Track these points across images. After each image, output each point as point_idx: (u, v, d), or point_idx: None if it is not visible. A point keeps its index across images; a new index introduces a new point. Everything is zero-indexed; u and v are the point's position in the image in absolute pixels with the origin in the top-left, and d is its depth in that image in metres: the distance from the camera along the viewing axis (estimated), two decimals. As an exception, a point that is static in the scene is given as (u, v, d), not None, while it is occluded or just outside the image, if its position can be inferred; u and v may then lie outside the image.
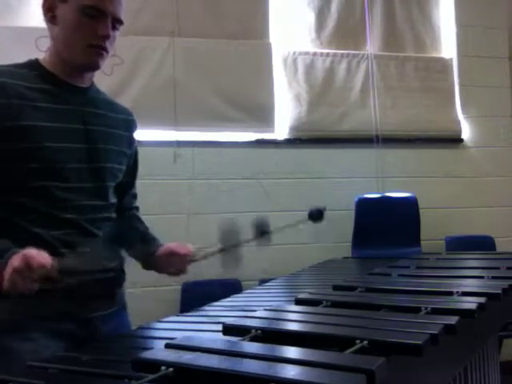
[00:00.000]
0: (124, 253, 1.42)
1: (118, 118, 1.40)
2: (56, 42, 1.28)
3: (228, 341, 0.89)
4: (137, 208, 1.55)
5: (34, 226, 1.20)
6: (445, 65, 3.79)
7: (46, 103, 1.25)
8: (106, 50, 1.27)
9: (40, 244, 1.16)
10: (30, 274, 1.04)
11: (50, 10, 1.26)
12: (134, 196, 1.54)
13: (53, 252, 1.16)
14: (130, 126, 1.45)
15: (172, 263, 1.44)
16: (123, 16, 1.29)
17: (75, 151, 1.26)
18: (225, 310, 1.43)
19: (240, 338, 0.89)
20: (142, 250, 1.46)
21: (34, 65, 1.29)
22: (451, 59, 3.80)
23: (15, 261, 1.05)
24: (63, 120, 1.26)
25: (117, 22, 1.28)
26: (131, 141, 1.45)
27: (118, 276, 1.37)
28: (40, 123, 1.22)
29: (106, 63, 1.33)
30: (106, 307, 1.31)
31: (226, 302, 1.54)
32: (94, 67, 1.30)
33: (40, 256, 1.07)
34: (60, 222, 1.22)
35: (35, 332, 1.16)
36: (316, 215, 1.56)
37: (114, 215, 1.38)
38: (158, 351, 0.81)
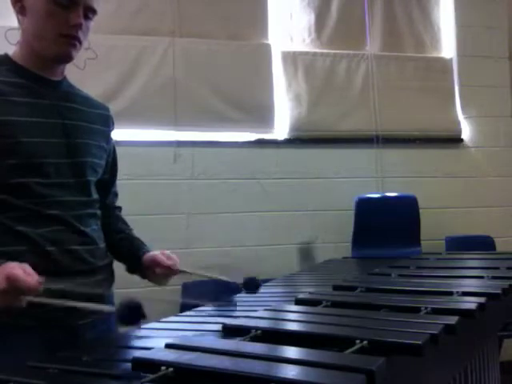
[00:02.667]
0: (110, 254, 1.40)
1: (94, 113, 1.37)
2: (26, 33, 1.23)
3: (228, 341, 0.89)
4: (119, 208, 1.53)
5: (17, 224, 1.16)
6: (445, 65, 3.79)
7: (21, 97, 1.21)
8: (78, 40, 1.23)
9: (24, 242, 1.15)
10: (16, 295, 1.01)
11: (18, 1, 1.21)
12: (116, 195, 1.52)
13: (39, 250, 1.15)
14: (108, 122, 1.42)
15: (155, 273, 1.41)
16: (96, 4, 1.25)
17: (54, 146, 1.23)
18: (225, 310, 1.42)
19: (240, 338, 0.89)
20: (128, 256, 1.44)
21: (3, 59, 1.26)
22: (451, 59, 3.80)
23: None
24: (39, 114, 1.22)
25: (90, 11, 1.24)
26: (109, 136, 1.42)
27: (106, 278, 1.33)
28: (15, 118, 1.18)
29: (79, 57, 1.29)
30: (93, 312, 1.26)
31: (226, 302, 1.54)
32: (67, 58, 1.25)
33: (25, 275, 1.02)
34: (45, 219, 1.19)
35: (17, 342, 1.12)
36: (250, 285, 1.51)
37: (98, 212, 1.35)
38: (158, 351, 0.81)
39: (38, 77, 1.26)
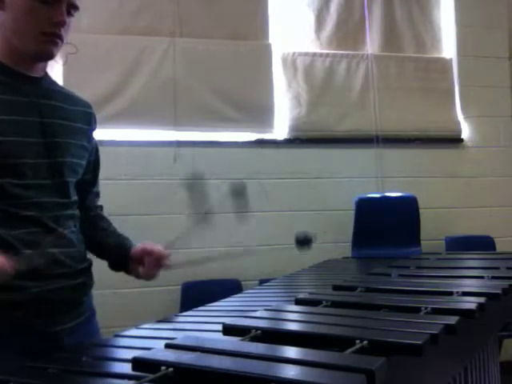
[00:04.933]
0: (90, 254, 1.37)
1: (76, 111, 1.32)
2: (5, 28, 1.18)
3: (228, 341, 0.89)
4: (101, 207, 1.49)
5: None
6: (445, 65, 3.79)
7: None
8: (60, 37, 1.19)
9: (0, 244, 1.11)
10: None
11: None
12: (97, 194, 1.47)
13: (14, 253, 1.11)
14: (89, 120, 1.36)
15: (145, 264, 1.37)
16: (78, 1, 1.21)
17: (31, 145, 1.18)
18: (225, 310, 1.43)
19: (240, 338, 0.89)
20: (115, 252, 1.41)
21: None
22: (451, 59, 3.80)
23: None
24: (17, 112, 1.17)
25: (72, 7, 1.20)
26: (91, 135, 1.37)
27: (85, 282, 1.29)
28: None
29: (60, 52, 1.25)
30: (73, 318, 1.23)
31: (226, 301, 1.54)
32: (48, 56, 1.21)
33: None
34: (20, 221, 1.14)
35: None
36: (303, 242, 1.48)
37: (77, 213, 1.31)
38: (158, 351, 0.81)
39: (17, 73, 1.21)
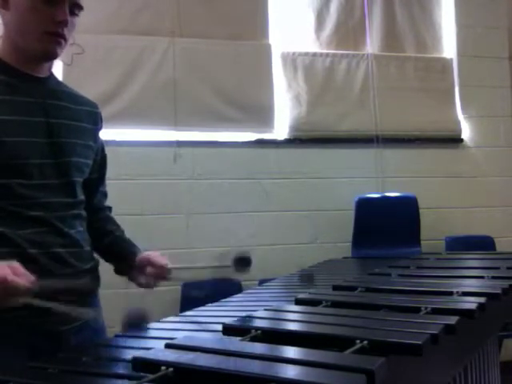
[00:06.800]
0: (97, 255, 1.37)
1: (81, 111, 1.32)
2: (9, 29, 1.19)
3: (228, 341, 0.89)
4: (109, 208, 1.49)
5: None
6: (445, 65, 3.79)
7: (3, 95, 1.17)
8: (63, 37, 1.19)
9: (6, 244, 1.12)
10: (6, 297, 0.99)
11: None
12: (105, 195, 1.47)
13: (21, 253, 1.12)
14: (95, 119, 1.37)
15: (146, 273, 1.37)
16: (82, 0, 1.21)
17: (37, 146, 1.18)
18: (225, 310, 1.43)
19: (240, 338, 0.89)
20: (121, 259, 1.41)
21: None
22: (451, 59, 3.80)
23: None
24: (23, 113, 1.18)
25: (75, 7, 1.20)
26: (97, 134, 1.38)
27: (92, 282, 1.30)
28: None
29: (66, 52, 1.26)
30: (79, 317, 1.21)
31: (226, 301, 1.54)
32: (52, 56, 1.22)
33: (14, 276, 0.99)
34: (27, 221, 1.15)
35: None
36: (241, 263, 1.43)
37: (84, 213, 1.32)
38: (158, 351, 0.81)
39: (22, 73, 1.21)
